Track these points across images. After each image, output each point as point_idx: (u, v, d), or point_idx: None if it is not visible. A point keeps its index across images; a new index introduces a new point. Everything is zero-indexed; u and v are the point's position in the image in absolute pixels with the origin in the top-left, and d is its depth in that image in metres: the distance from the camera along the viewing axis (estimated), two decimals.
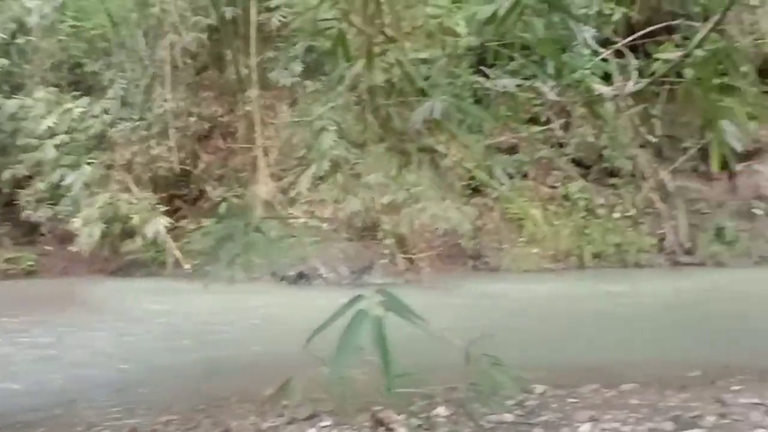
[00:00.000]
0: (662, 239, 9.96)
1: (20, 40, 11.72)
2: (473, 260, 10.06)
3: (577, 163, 10.63)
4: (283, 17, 10.50)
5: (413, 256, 9.71)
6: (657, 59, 3.69)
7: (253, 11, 10.30)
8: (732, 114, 3.49)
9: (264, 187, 10.88)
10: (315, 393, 3.13)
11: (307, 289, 9.13)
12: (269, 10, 10.47)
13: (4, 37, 11.22)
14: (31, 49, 11.98)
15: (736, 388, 4.17)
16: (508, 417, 3.60)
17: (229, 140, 12.12)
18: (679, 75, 3.53)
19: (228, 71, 11.63)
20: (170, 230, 10.23)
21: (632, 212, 10.22)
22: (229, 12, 10.29)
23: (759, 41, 9.03)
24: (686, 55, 3.26)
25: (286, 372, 2.04)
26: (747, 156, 9.85)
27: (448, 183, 10.63)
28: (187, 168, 11.45)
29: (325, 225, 10.49)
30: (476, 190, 10.58)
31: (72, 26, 12.02)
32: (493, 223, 10.32)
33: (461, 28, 6.26)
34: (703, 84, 3.35)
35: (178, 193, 11.77)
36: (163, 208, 10.46)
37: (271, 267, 9.58)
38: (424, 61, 9.61)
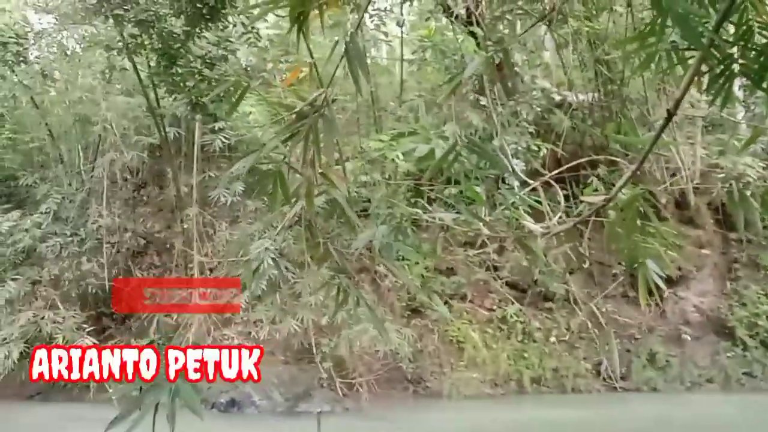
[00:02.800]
0: (598, 364, 10.09)
1: None
2: (413, 385, 9.83)
3: (512, 286, 10.87)
4: (226, 138, 10.72)
5: (353, 381, 9.44)
6: (582, 201, 3.90)
7: (197, 132, 10.51)
8: (654, 253, 3.66)
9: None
10: None
11: (238, 418, 8.63)
12: (213, 131, 10.68)
13: None
14: None
15: None
16: None
17: (165, 257, 11.87)
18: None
19: (168, 189, 11.60)
20: None
21: (568, 337, 10.40)
22: (172, 132, 10.46)
23: (674, 177, 9.76)
24: (609, 200, 3.46)
25: None
26: (672, 282, 10.34)
27: (388, 304, 10.66)
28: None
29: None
30: (416, 311, 10.59)
31: (9, 138, 11.86)
32: (434, 346, 10.23)
33: (400, 161, 6.57)
34: (625, 225, 3.53)
35: (107, 312, 11.24)
36: (90, 328, 9.92)
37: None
38: (365, 184, 9.97)
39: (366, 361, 9.70)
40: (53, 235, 10.64)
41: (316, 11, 2.58)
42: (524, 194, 4.56)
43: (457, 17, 7.83)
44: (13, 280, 9.95)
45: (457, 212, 4.96)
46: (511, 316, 10.50)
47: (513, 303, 10.59)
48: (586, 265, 10.16)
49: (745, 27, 2.37)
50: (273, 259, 9.73)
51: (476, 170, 3.54)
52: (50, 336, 9.47)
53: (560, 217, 4.80)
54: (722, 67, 2.55)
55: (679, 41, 2.57)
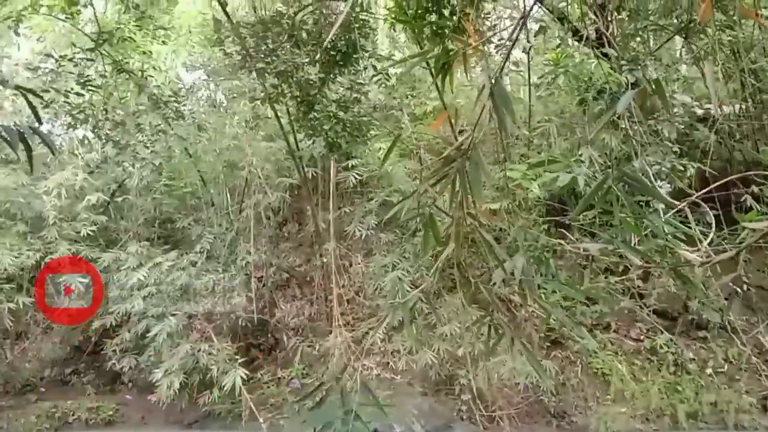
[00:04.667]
0: (764, 398, 9.16)
1: (118, 199, 12.75)
2: (557, 419, 9.46)
3: (660, 314, 10.20)
4: (359, 175, 11.16)
5: (493, 414, 9.28)
6: (744, 228, 3.65)
7: (332, 171, 11.04)
8: None
9: (338, 338, 10.95)
10: None
11: None
12: (347, 169, 11.17)
13: (106, 198, 12.24)
14: (127, 207, 13.04)
15: None
16: None
17: (305, 290, 12.45)
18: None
19: (307, 225, 12.23)
20: (246, 381, 10.25)
21: (726, 368, 9.55)
22: (310, 172, 11.06)
23: None
24: None
25: None
26: None
27: (525, 334, 10.42)
28: (265, 317, 11.72)
29: (398, 377, 10.29)
30: (555, 342, 10.26)
31: (166, 185, 13.04)
32: (577, 379, 9.81)
33: (536, 191, 6.49)
34: None
35: (255, 343, 11.94)
36: (241, 359, 10.56)
37: None
38: (494, 212, 9.90)
39: (506, 394, 9.51)
40: (206, 272, 11.52)
41: (460, 59, 2.67)
42: (671, 217, 4.32)
43: (587, 39, 7.67)
44: (172, 315, 10.81)
45: (602, 241, 4.80)
46: (661, 347, 9.83)
47: (662, 332, 9.94)
48: (744, 288, 9.35)
49: None
50: (408, 290, 9.92)
51: (622, 197, 3.43)
52: (206, 367, 10.18)
53: (713, 242, 4.50)
54: None
55: None
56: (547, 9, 8.33)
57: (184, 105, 11.09)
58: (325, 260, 11.46)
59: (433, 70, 2.71)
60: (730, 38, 9.25)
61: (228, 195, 12.52)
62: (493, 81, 2.36)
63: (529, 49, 9.08)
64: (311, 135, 8.73)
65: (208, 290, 11.43)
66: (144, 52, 10.76)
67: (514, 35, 2.75)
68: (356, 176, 11.13)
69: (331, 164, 11.13)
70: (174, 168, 13.19)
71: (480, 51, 2.61)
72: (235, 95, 11.26)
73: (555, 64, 8.34)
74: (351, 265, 11.84)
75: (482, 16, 7.99)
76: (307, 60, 7.78)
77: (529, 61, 9.76)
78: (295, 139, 10.50)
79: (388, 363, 10.47)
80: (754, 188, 8.42)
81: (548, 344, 10.15)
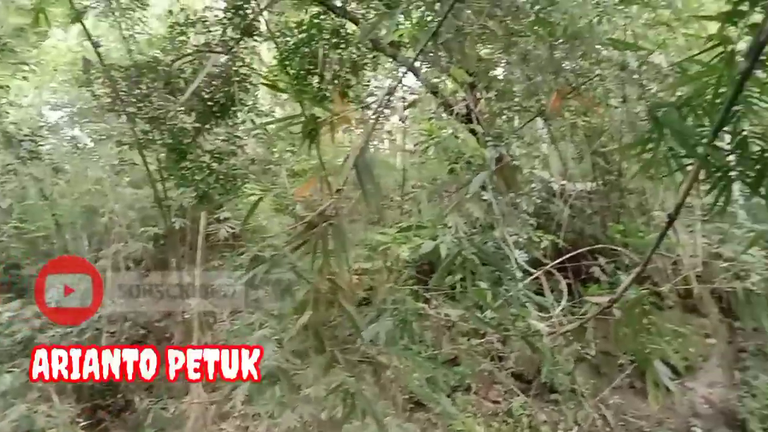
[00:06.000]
0: None
1: None
2: None
3: (517, 377, 10.66)
4: (232, 228, 10.86)
5: None
6: (587, 301, 3.91)
7: (202, 222, 10.67)
8: (662, 354, 3.65)
9: (196, 400, 10.37)
10: None
11: None
12: (218, 221, 10.85)
13: None
14: None
15: None
16: None
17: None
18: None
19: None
20: None
21: (575, 431, 10.09)
22: (178, 222, 10.62)
23: (677, 268, 9.79)
24: (614, 301, 3.48)
25: None
26: (679, 373, 10.14)
27: (390, 396, 10.42)
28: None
29: None
30: (419, 404, 10.33)
31: (15, 228, 11.98)
32: None
33: (405, 254, 6.67)
34: (632, 325, 3.54)
35: (103, 404, 11.00)
36: (85, 422, 9.68)
37: None
38: (366, 271, 9.99)
39: None
40: (52, 325, 10.55)
41: (327, 126, 2.71)
42: (526, 285, 4.58)
43: (457, 114, 8.15)
44: (8, 372, 9.74)
45: (462, 307, 4.96)
46: (517, 409, 10.23)
47: (519, 395, 10.35)
48: (591, 354, 10.03)
49: (740, 137, 2.50)
50: (273, 349, 9.63)
51: (480, 267, 3.60)
52: (43, 430, 9.19)
53: (564, 312, 4.79)
54: (719, 174, 2.67)
55: (677, 147, 2.67)
56: (422, 83, 8.78)
57: (43, 144, 10.33)
58: (187, 316, 10.92)
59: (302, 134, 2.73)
60: (584, 122, 10.22)
61: (86, 242, 11.69)
62: (357, 154, 2.41)
63: (404, 119, 9.49)
64: (181, 184, 8.44)
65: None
66: (1, 87, 9.98)
67: (382, 104, 2.85)
68: (228, 229, 10.83)
69: (202, 215, 10.76)
70: (26, 210, 12.16)
71: (348, 120, 2.66)
72: (102, 137, 10.69)
73: (428, 135, 8.74)
74: (215, 322, 11.35)
75: (362, 83, 8.27)
76: (182, 108, 7.60)
77: (404, 130, 10.19)
78: (164, 187, 10.09)
79: (248, 427, 10.00)
80: (602, 260, 9.17)
81: (412, 405, 10.21)
